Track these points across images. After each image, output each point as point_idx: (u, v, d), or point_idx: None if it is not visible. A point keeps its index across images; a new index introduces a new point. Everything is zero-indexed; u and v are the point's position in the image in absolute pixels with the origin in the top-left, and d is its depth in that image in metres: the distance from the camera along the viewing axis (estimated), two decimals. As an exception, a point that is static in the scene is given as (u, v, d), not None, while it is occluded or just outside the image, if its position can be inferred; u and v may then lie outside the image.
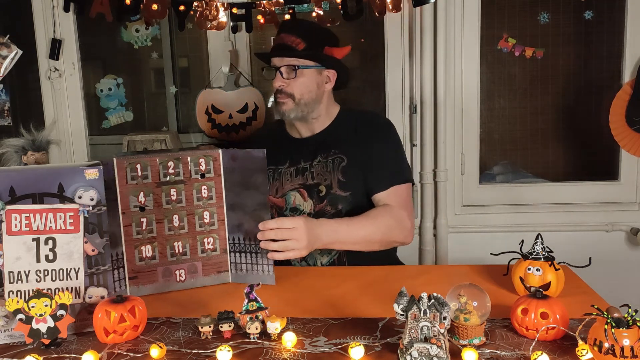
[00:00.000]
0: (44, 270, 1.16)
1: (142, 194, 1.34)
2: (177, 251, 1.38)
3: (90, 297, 1.18)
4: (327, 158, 1.68)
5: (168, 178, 1.37)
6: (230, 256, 1.41)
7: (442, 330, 0.96)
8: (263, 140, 1.76)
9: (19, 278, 1.15)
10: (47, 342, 1.09)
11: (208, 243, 1.39)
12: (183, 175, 1.38)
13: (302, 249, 1.42)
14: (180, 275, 1.38)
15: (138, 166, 1.34)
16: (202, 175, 1.39)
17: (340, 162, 1.67)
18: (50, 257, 1.16)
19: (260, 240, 1.39)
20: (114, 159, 1.33)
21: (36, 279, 1.15)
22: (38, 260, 1.16)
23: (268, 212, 1.39)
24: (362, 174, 1.65)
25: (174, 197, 1.37)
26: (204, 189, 1.38)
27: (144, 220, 1.35)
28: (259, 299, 1.12)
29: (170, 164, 1.36)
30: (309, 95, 1.67)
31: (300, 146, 1.73)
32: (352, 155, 1.67)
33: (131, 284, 1.35)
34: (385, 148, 1.70)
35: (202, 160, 1.38)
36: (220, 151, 1.40)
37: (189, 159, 1.38)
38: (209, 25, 2.24)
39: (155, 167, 1.36)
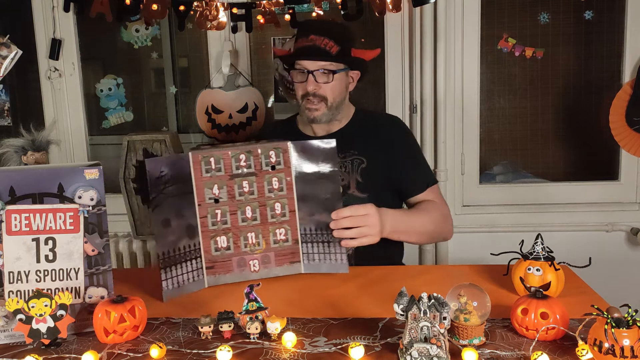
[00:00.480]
0: (44, 270, 1.16)
1: (216, 186, 1.39)
2: (250, 242, 1.41)
3: (90, 297, 1.18)
4: (345, 159, 1.67)
5: (240, 171, 1.41)
6: (302, 247, 1.43)
7: (442, 330, 0.96)
8: (275, 136, 1.75)
9: (19, 278, 1.15)
10: (47, 342, 1.09)
11: (280, 234, 1.42)
12: (254, 168, 1.41)
13: (376, 235, 1.45)
14: (254, 265, 1.41)
15: (212, 159, 1.39)
16: (273, 167, 1.42)
17: (360, 163, 1.67)
18: (50, 257, 1.16)
19: (333, 229, 1.41)
20: (189, 153, 1.38)
21: (36, 279, 1.15)
22: (38, 260, 1.16)
23: (340, 201, 1.42)
24: (383, 177, 1.67)
25: (246, 189, 1.41)
26: (275, 180, 1.42)
27: (219, 211, 1.39)
28: (259, 299, 1.12)
29: (242, 157, 1.41)
30: (339, 98, 1.68)
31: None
32: (373, 157, 1.67)
33: (208, 274, 1.39)
34: (414, 151, 1.76)
35: (272, 153, 1.42)
36: (289, 143, 1.42)
37: (259, 152, 1.41)
38: (209, 25, 2.24)
39: (228, 160, 1.40)
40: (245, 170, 1.41)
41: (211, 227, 1.39)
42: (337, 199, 1.43)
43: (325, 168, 1.42)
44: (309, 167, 1.43)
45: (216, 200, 1.40)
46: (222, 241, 1.40)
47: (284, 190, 1.43)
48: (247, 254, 1.41)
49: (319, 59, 1.61)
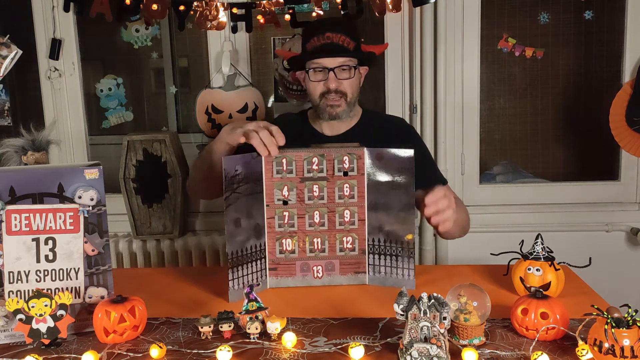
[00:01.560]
0: (44, 270, 1.16)
1: (286, 188, 1.38)
2: (316, 247, 1.39)
3: (90, 297, 1.18)
4: None
5: (311, 174, 1.38)
6: (368, 258, 1.39)
7: (442, 330, 0.96)
8: (286, 128, 1.74)
9: (19, 278, 1.15)
10: (47, 342, 1.09)
11: (347, 242, 1.39)
12: (326, 172, 1.38)
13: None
14: (317, 271, 1.39)
15: (284, 161, 1.37)
16: (345, 173, 1.38)
17: None
18: (50, 257, 1.16)
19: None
20: None
21: (36, 279, 1.15)
22: (38, 260, 1.16)
23: (414, 214, 1.37)
24: None
25: (316, 194, 1.38)
26: (346, 187, 1.38)
27: (286, 214, 1.38)
28: (259, 299, 1.12)
29: (315, 160, 1.38)
30: (356, 93, 1.69)
31: (327, 142, 1.69)
32: None
33: (271, 275, 1.38)
34: (426, 153, 1.82)
35: (346, 159, 1.37)
36: (365, 150, 1.37)
37: (333, 156, 1.38)
38: (209, 25, 2.24)
39: (300, 162, 1.38)
40: (317, 174, 1.38)
41: (278, 229, 1.38)
42: (410, 212, 1.36)
43: (401, 178, 1.35)
44: (383, 176, 1.37)
45: (285, 202, 1.38)
46: (287, 244, 1.38)
47: (355, 198, 1.38)
48: (312, 259, 1.39)
49: (340, 55, 1.61)
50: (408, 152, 1.35)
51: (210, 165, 1.54)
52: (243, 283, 1.34)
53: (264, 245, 1.38)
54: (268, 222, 1.38)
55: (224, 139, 1.47)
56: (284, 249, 1.39)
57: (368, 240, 1.39)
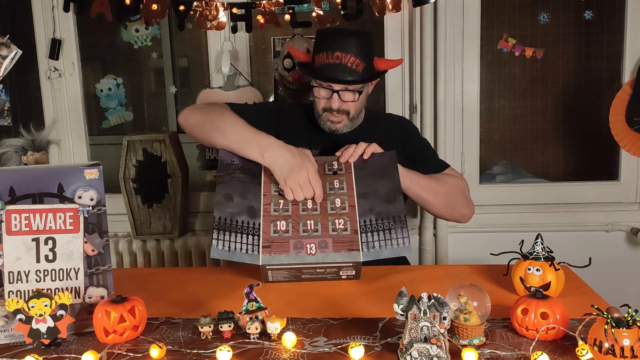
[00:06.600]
0: (44, 270, 1.16)
1: None
2: (309, 228, 1.42)
3: (90, 297, 1.18)
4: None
5: None
6: (361, 237, 1.41)
7: (442, 330, 0.96)
8: (295, 120, 1.72)
9: (19, 278, 1.15)
10: (47, 342, 1.09)
11: (339, 223, 1.42)
12: (317, 172, 1.50)
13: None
14: (310, 248, 1.40)
15: None
16: (335, 172, 1.52)
17: None
18: (50, 257, 1.16)
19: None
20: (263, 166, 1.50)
21: (36, 279, 1.15)
22: (38, 260, 1.16)
23: (401, 193, 1.47)
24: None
25: None
26: (336, 182, 1.50)
27: (282, 201, 1.46)
28: (258, 299, 1.12)
29: None
30: (361, 108, 1.70)
31: (334, 139, 1.70)
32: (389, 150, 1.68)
33: (264, 252, 1.38)
34: (426, 146, 1.84)
35: (335, 163, 1.54)
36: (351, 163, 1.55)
37: (323, 161, 1.54)
38: (209, 25, 2.24)
39: None
40: None
41: (273, 212, 1.44)
42: (397, 192, 1.46)
43: (386, 171, 1.49)
44: (370, 171, 1.50)
45: (280, 194, 1.47)
46: (281, 225, 1.42)
47: (345, 189, 1.48)
48: (305, 237, 1.41)
49: (348, 82, 1.59)
50: (390, 154, 1.52)
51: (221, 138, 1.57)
52: (229, 248, 1.36)
53: (258, 225, 1.41)
54: (264, 207, 1.44)
55: (262, 158, 1.48)
56: (279, 229, 1.41)
57: (360, 222, 1.42)
